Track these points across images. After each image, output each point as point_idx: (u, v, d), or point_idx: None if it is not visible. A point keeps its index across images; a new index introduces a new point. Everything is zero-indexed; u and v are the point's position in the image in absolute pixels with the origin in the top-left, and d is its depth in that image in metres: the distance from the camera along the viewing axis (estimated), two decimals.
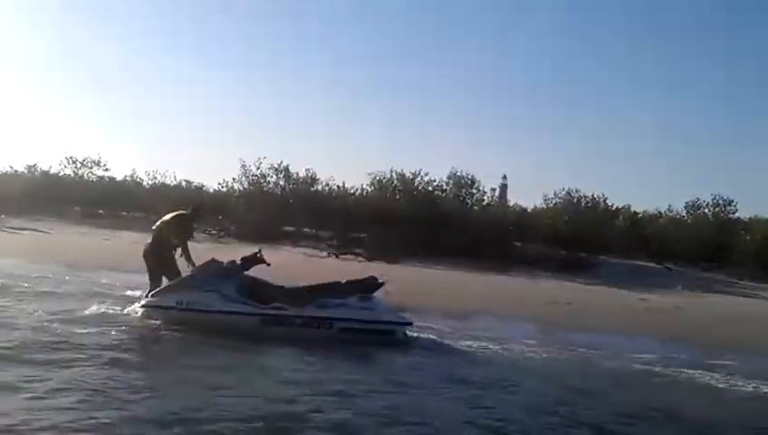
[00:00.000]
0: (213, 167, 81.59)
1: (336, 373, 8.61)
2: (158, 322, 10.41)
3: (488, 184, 35.96)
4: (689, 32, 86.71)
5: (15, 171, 43.16)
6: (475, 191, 33.87)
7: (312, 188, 34.90)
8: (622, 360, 10.53)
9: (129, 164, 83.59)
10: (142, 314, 10.68)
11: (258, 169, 34.51)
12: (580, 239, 29.66)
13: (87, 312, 10.55)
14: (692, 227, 31.74)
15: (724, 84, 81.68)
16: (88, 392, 6.45)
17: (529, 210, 36.13)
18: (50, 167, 42.61)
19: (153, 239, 11.61)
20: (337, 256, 27.36)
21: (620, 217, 32.83)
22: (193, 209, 12.32)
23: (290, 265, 17.18)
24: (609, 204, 32.80)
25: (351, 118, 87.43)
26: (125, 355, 8.25)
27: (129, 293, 12.51)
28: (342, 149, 78.81)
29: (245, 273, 11.16)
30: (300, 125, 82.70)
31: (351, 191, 34.53)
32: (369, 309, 11.04)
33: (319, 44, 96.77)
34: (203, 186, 39.66)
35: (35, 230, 29.31)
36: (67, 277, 14.86)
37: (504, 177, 48.77)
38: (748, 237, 29.61)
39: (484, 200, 34.50)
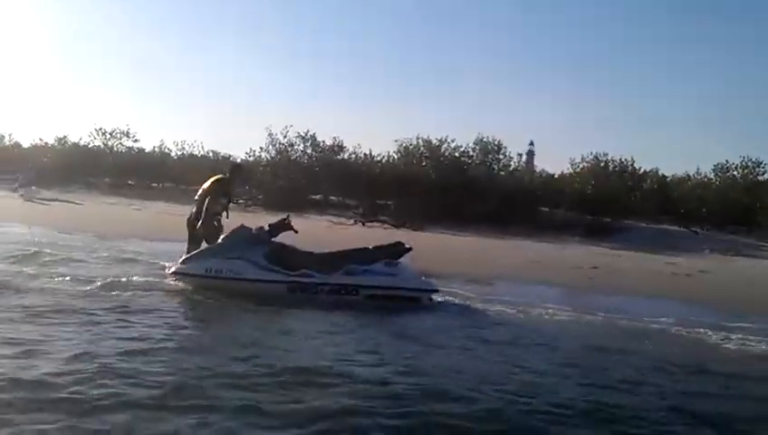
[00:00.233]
0: (240, 137, 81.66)
1: (363, 333, 8.79)
2: (189, 287, 10.65)
3: (515, 150, 35.96)
4: None
5: (46, 144, 43.74)
6: (501, 157, 33.92)
7: (339, 156, 35.05)
8: (645, 322, 10.57)
9: (158, 135, 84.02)
10: (173, 281, 10.91)
11: (285, 137, 34.73)
12: (606, 204, 29.59)
13: (119, 278, 10.76)
14: (720, 189, 31.46)
15: (753, 42, 79.97)
16: (127, 349, 6.70)
17: (556, 176, 36.06)
18: (80, 138, 43.14)
19: (197, 209, 11.69)
20: (363, 224, 27.54)
21: (648, 181, 32.64)
22: (231, 171, 12.47)
23: (316, 232, 17.39)
24: (637, 168, 32.67)
25: (379, 86, 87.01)
26: (157, 318, 8.46)
27: (159, 261, 12.71)
28: (370, 118, 78.61)
29: (273, 239, 11.32)
30: (327, 94, 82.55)
31: (378, 159, 34.65)
32: (396, 275, 11.15)
33: (340, 14, 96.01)
34: (230, 156, 39.95)
35: (66, 201, 29.79)
36: (98, 246, 15.11)
37: (531, 143, 48.71)
38: None
39: (510, 166, 34.51)
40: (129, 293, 9.78)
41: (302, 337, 8.38)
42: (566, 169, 34.35)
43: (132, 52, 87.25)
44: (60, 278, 10.49)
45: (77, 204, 29.35)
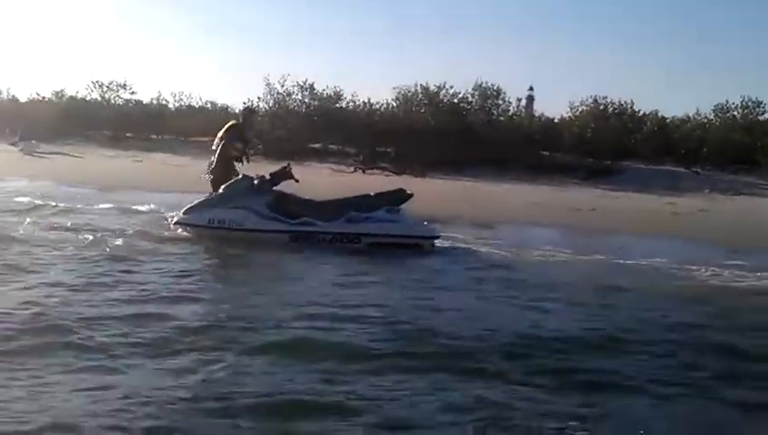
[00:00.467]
0: (237, 86, 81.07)
1: (368, 277, 8.93)
2: (192, 236, 10.77)
3: (514, 96, 35.78)
4: None
5: (43, 98, 43.56)
6: (500, 102, 33.77)
7: (337, 105, 34.92)
8: (640, 261, 10.72)
9: (155, 86, 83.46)
10: (176, 230, 11.01)
11: (283, 86, 34.55)
12: (606, 146, 29.57)
13: (124, 229, 10.84)
14: (720, 130, 31.39)
15: None
16: (133, 294, 6.88)
17: (556, 120, 35.94)
18: (77, 92, 42.94)
19: (216, 158, 11.66)
20: (363, 171, 27.60)
21: (648, 124, 32.58)
22: (244, 116, 12.46)
23: (317, 180, 17.44)
24: (637, 110, 32.58)
25: (376, 32, 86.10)
26: (161, 266, 8.57)
27: (162, 211, 12.76)
28: (368, 66, 77.99)
29: (275, 188, 11.38)
30: (325, 42, 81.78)
31: (377, 107, 34.54)
32: (398, 222, 11.21)
33: None
34: (228, 106, 39.81)
35: (66, 154, 29.83)
36: (99, 198, 15.12)
37: (531, 88, 48.35)
38: None
39: (509, 111, 34.41)
40: (133, 243, 9.85)
41: (308, 283, 8.50)
42: (566, 112, 34.24)
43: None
44: (63, 230, 10.56)
45: (77, 157, 29.37)
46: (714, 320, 7.34)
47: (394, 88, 33.84)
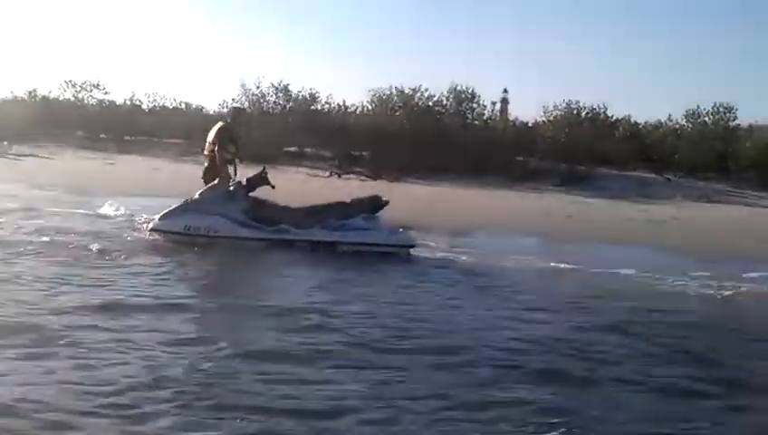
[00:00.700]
0: (211, 87, 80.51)
1: (344, 285, 8.99)
2: (167, 242, 10.73)
3: (489, 98, 35.87)
4: None
5: (15, 97, 42.98)
6: (475, 106, 33.80)
7: (313, 107, 34.83)
8: (611, 270, 10.91)
9: (129, 87, 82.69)
10: (151, 236, 10.94)
11: (258, 88, 34.41)
12: (580, 152, 29.74)
13: (96, 233, 10.78)
14: (692, 136, 31.68)
15: None
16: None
17: (530, 124, 36.07)
18: (49, 92, 42.41)
19: (208, 164, 11.55)
20: (339, 176, 27.54)
21: (620, 129, 32.84)
22: (233, 117, 12.36)
23: (292, 185, 17.41)
24: (609, 115, 32.78)
25: (353, 33, 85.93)
26: (136, 272, 8.61)
27: (136, 216, 12.61)
28: (342, 66, 77.84)
29: (251, 194, 11.35)
30: (299, 41, 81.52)
31: (352, 109, 34.51)
32: (374, 230, 11.31)
33: None
34: (203, 108, 39.52)
35: (38, 156, 29.48)
36: (72, 201, 14.99)
37: (505, 90, 48.43)
38: (748, 144, 29.69)
39: (484, 115, 34.51)
40: (107, 248, 9.76)
41: (286, 285, 8.61)
42: (539, 117, 34.36)
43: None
44: (34, 232, 10.53)
45: (50, 159, 29.04)
46: (658, 324, 7.78)
47: (369, 90, 33.85)
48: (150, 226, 11.07)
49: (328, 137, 31.43)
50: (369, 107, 33.81)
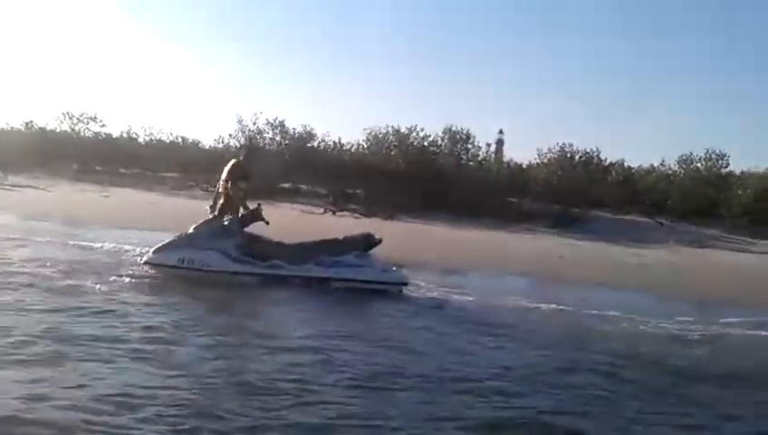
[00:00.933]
0: (208, 122, 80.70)
1: (333, 326, 8.96)
2: (160, 275, 10.75)
3: (484, 139, 36.20)
4: None
5: (12, 128, 43.11)
6: (470, 147, 34.05)
7: (309, 144, 35.02)
8: (600, 312, 11.01)
9: (126, 120, 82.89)
10: (145, 270, 10.96)
11: (254, 124, 34.60)
12: (573, 195, 29.95)
13: (90, 266, 10.82)
14: (684, 181, 31.96)
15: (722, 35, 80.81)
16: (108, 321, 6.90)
17: (524, 166, 36.33)
18: (46, 123, 42.58)
19: (223, 200, 11.60)
20: (334, 213, 27.62)
21: (613, 173, 33.12)
22: (245, 154, 12.46)
23: (286, 221, 17.46)
24: (603, 159, 33.08)
25: (350, 74, 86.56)
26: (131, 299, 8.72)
27: (130, 249, 12.67)
28: (339, 106, 78.35)
29: (245, 230, 11.42)
30: (295, 81, 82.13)
31: (347, 147, 34.73)
32: (366, 267, 11.38)
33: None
34: (199, 142, 39.71)
35: (35, 187, 29.49)
36: (67, 233, 14.99)
37: (501, 131, 48.73)
38: (740, 192, 29.92)
39: (479, 156, 34.76)
40: (101, 282, 9.77)
41: (276, 320, 8.68)
42: (533, 159, 34.65)
43: (99, 33, 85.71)
44: (26, 264, 10.53)
45: (46, 190, 29.07)
46: (629, 362, 7.99)
47: (365, 129, 34.08)
48: (144, 259, 11.13)
49: (323, 174, 31.58)
50: (365, 145, 34.01)
